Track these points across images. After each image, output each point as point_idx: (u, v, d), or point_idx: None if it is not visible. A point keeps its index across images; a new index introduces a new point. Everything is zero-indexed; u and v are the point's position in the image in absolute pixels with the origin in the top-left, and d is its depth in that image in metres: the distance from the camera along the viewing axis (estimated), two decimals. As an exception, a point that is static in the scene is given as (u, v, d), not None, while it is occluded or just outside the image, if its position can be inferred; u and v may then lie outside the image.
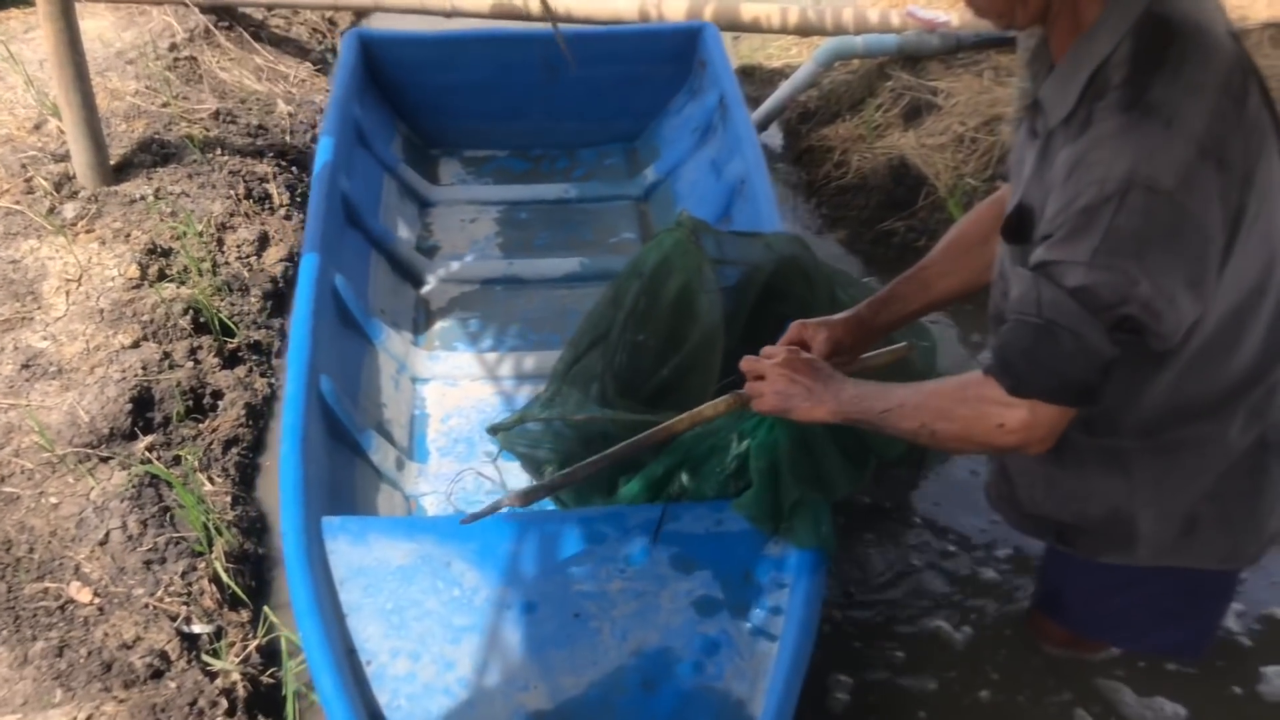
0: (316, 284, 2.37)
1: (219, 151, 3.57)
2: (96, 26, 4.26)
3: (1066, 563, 1.73)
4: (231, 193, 3.36)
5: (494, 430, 2.18)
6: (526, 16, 4.07)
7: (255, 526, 2.36)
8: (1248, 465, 1.48)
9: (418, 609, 1.70)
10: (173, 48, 4.16)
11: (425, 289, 2.96)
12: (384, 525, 1.89)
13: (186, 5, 4.32)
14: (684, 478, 1.91)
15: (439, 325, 2.84)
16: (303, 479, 1.86)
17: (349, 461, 2.20)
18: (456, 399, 2.55)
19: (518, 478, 2.18)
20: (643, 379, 2.09)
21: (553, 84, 3.62)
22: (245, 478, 2.49)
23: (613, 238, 3.21)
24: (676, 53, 3.61)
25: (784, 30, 4.02)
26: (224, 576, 2.12)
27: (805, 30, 4.13)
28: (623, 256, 2.91)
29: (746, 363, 1.69)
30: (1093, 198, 1.22)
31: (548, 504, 1.99)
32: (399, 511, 2.21)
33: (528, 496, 1.80)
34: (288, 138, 3.92)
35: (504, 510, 1.77)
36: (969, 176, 3.28)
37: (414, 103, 3.64)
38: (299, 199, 3.59)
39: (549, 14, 2.07)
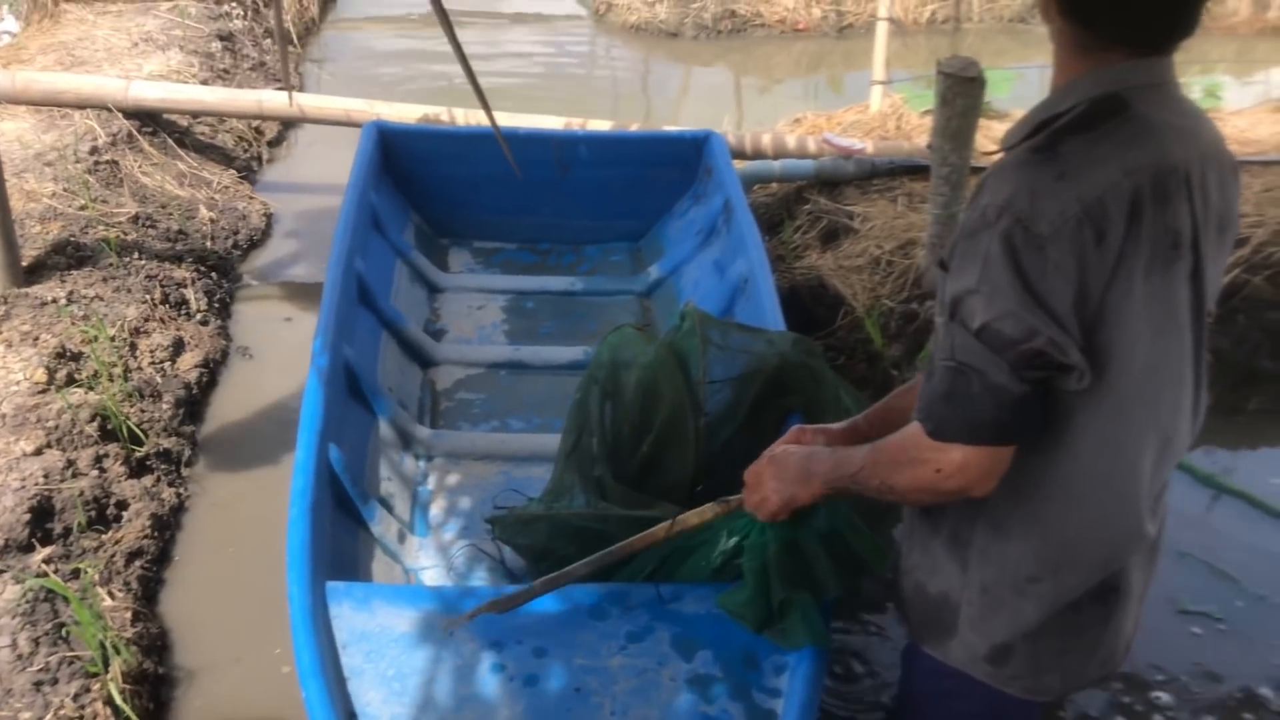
0: (330, 357, 2.43)
1: (136, 255, 3.54)
2: (16, 128, 4.24)
3: (906, 669, 1.68)
4: (147, 297, 3.33)
5: (492, 523, 2.24)
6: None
7: (157, 644, 2.27)
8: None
9: (419, 676, 1.71)
10: (94, 151, 4.13)
11: (432, 370, 3.01)
12: (388, 593, 1.90)
13: (110, 110, 4.36)
14: (673, 571, 1.92)
15: (444, 405, 2.89)
16: (310, 542, 1.88)
17: (352, 531, 2.22)
18: (458, 476, 2.58)
19: (515, 556, 2.22)
20: (628, 456, 2.23)
21: (563, 182, 3.75)
22: (148, 592, 2.40)
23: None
24: (683, 158, 3.76)
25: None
26: (118, 699, 2.02)
27: (725, 154, 4.30)
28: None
29: (748, 474, 1.68)
30: (975, 222, 1.26)
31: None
32: (399, 583, 2.21)
33: (551, 584, 1.82)
34: (209, 243, 3.91)
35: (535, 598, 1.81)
36: (885, 298, 3.31)
37: (428, 193, 3.76)
38: (217, 305, 3.59)
39: (493, 121, 2.16)
